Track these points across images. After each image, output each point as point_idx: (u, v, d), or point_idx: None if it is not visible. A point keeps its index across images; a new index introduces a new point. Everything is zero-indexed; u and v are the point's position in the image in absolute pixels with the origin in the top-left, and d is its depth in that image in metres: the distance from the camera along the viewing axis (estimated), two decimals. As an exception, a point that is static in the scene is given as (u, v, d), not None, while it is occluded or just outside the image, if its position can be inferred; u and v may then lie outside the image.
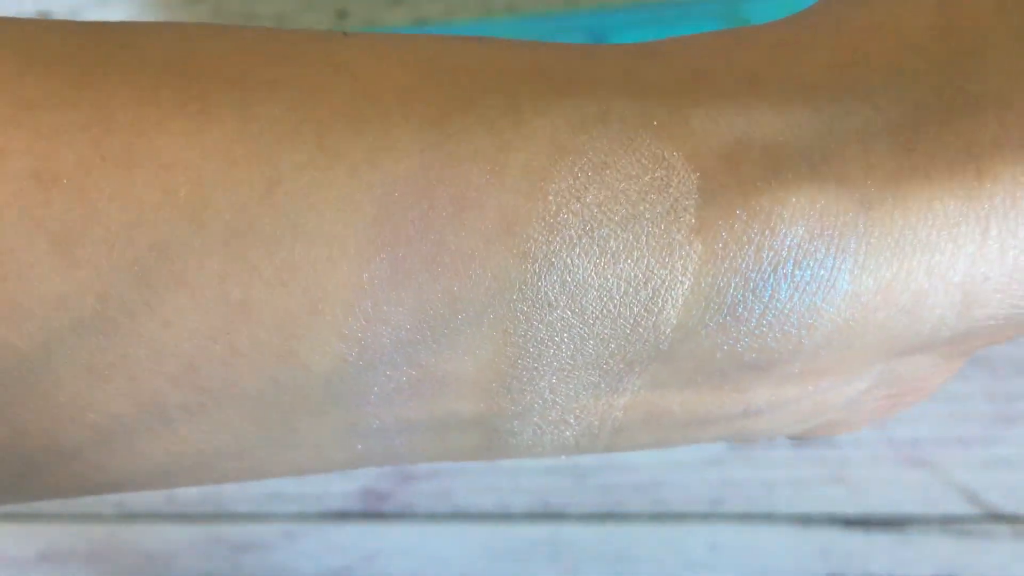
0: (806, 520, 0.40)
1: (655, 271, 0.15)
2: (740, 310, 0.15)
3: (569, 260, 0.15)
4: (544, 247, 0.15)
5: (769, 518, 0.40)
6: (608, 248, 0.15)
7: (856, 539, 0.40)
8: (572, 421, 0.17)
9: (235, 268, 0.15)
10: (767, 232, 0.14)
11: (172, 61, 0.15)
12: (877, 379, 0.17)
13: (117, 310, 0.15)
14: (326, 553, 0.41)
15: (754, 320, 0.15)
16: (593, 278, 0.15)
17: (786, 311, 0.15)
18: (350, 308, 0.15)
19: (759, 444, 0.40)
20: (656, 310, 0.15)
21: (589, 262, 0.15)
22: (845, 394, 0.17)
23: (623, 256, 0.15)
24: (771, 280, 0.15)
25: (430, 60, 0.15)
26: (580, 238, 0.15)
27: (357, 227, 0.14)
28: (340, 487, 0.41)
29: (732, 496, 0.40)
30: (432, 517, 0.40)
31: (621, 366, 0.16)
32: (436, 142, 0.15)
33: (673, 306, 0.15)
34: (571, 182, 0.14)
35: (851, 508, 0.40)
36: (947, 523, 0.40)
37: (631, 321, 0.15)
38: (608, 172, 0.15)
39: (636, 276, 0.15)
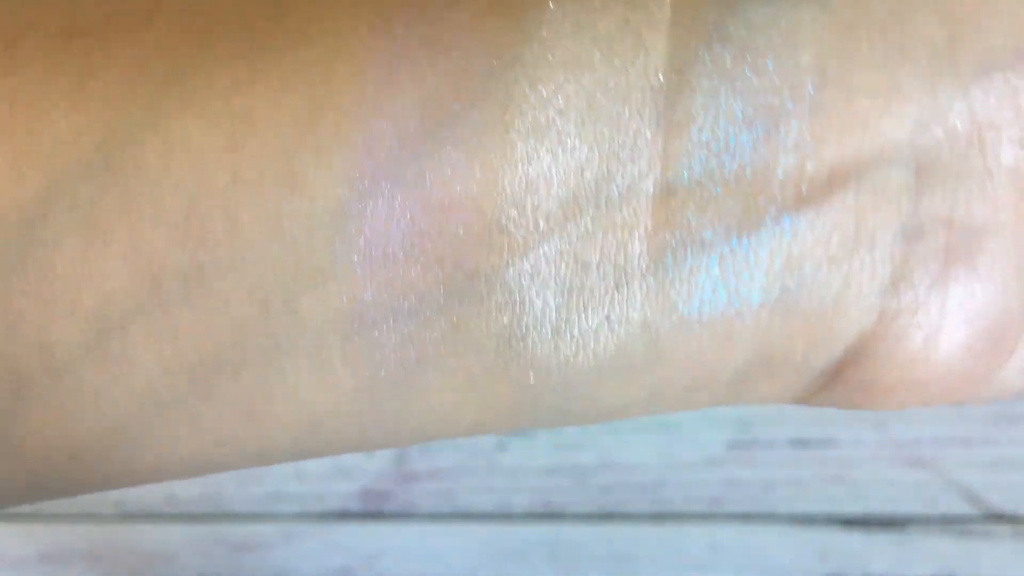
0: (806, 520, 0.40)
1: (631, 17, 0.14)
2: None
3: (555, 15, 0.14)
4: (533, 8, 0.14)
5: (769, 518, 0.40)
6: (589, 5, 0.14)
7: (856, 539, 0.40)
8: (593, 259, 0.15)
9: (242, 78, 0.14)
10: None
11: None
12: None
13: (123, 140, 0.14)
14: (326, 553, 0.41)
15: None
16: (577, 29, 0.14)
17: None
18: (353, 103, 0.14)
19: (759, 444, 0.40)
20: (647, 48, 0.14)
21: (573, 14, 0.14)
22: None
23: (601, 8, 0.14)
24: None
25: None
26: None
27: (358, 25, 0.14)
28: (340, 487, 0.41)
29: (732, 496, 0.40)
30: (433, 517, 0.40)
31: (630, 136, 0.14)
32: None
33: (660, 40, 0.14)
34: None
35: (851, 508, 0.40)
36: (947, 523, 0.40)
37: (628, 61, 0.14)
38: None
39: (614, 20, 0.14)
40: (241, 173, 0.14)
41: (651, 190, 0.14)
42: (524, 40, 0.14)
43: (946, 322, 0.15)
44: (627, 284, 0.15)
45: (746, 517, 0.40)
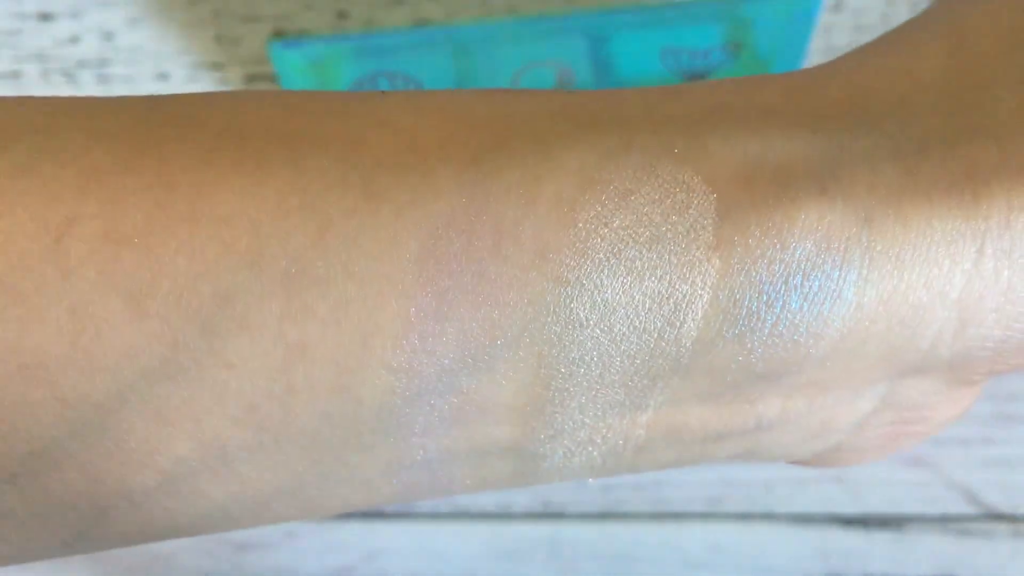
0: (805, 519, 0.40)
1: (677, 286, 0.16)
2: (754, 321, 0.16)
3: (599, 280, 0.16)
4: (576, 270, 0.16)
5: (768, 517, 0.40)
6: (634, 268, 0.16)
7: (855, 538, 0.40)
8: (599, 441, 0.18)
9: (292, 309, 0.16)
10: (779, 246, 0.15)
11: (226, 125, 0.17)
12: (882, 401, 0.18)
13: (184, 357, 0.16)
14: (327, 552, 0.41)
15: (767, 330, 0.16)
16: (620, 296, 0.16)
17: (795, 321, 0.16)
18: (398, 341, 0.16)
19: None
20: (678, 323, 0.16)
21: (617, 281, 0.16)
22: (851, 413, 0.18)
23: (647, 274, 0.16)
24: (782, 291, 0.16)
25: (464, 109, 0.17)
26: (608, 260, 0.16)
27: (404, 264, 0.16)
28: (341, 486, 0.41)
29: (731, 495, 0.40)
30: (433, 516, 0.40)
31: (645, 382, 0.17)
32: (473, 180, 0.16)
33: (694, 319, 0.16)
34: (599, 209, 0.16)
35: (850, 507, 0.40)
36: (946, 522, 0.40)
37: (655, 335, 0.16)
38: (632, 198, 0.16)
39: (660, 292, 0.16)
40: (295, 386, 0.16)
41: (630, 446, 0.18)
42: (562, 294, 0.16)
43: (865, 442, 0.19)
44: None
45: (745, 517, 0.40)
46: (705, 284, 0.16)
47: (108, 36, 0.42)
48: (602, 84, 0.38)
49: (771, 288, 0.16)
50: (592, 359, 0.16)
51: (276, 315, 0.16)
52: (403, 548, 0.40)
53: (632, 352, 0.16)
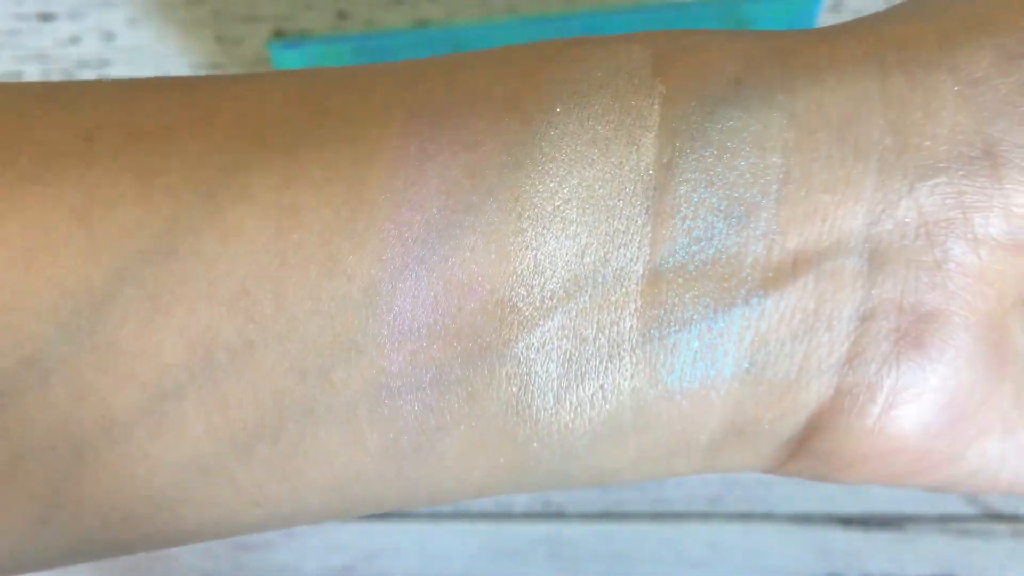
0: (805, 519, 0.40)
1: (625, 120, 0.16)
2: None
3: (564, 119, 0.17)
4: (543, 113, 0.17)
5: (768, 517, 0.40)
6: (590, 110, 0.17)
7: (855, 538, 0.40)
8: (590, 333, 0.17)
9: (289, 175, 0.16)
10: (699, 80, 0.17)
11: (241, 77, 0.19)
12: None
13: (184, 229, 0.16)
14: (328, 552, 0.41)
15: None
16: (581, 131, 0.16)
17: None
18: (386, 196, 0.16)
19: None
20: (636, 145, 0.16)
21: (576, 120, 0.16)
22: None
23: (600, 114, 0.16)
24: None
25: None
26: (568, 105, 0.17)
27: (391, 129, 0.17)
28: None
29: (731, 495, 0.40)
30: (433, 516, 0.40)
31: (625, 206, 0.17)
32: (449, 67, 0.18)
33: (648, 140, 0.17)
34: (560, 70, 0.17)
35: (850, 507, 0.40)
36: (946, 522, 0.41)
37: (619, 158, 0.17)
38: (583, 63, 0.17)
39: (611, 124, 0.16)
40: (287, 258, 0.16)
41: (641, 272, 0.16)
42: (534, 139, 0.16)
43: (899, 399, 0.17)
44: (619, 356, 0.16)
45: (745, 516, 0.40)
46: (651, 117, 0.16)
47: (108, 37, 0.42)
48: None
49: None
50: (564, 189, 0.16)
51: (274, 183, 0.16)
52: (403, 548, 0.40)
53: (604, 177, 0.16)
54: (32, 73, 0.41)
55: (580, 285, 0.16)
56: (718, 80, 0.17)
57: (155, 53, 0.42)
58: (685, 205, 0.16)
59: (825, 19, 0.42)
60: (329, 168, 0.17)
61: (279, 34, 0.42)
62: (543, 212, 0.16)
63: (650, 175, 0.16)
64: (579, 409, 0.17)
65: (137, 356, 0.17)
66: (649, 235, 0.16)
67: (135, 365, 0.17)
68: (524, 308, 0.16)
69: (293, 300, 0.16)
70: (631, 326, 0.16)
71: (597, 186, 0.16)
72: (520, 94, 0.17)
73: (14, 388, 0.17)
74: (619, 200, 0.16)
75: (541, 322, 0.16)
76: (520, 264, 0.16)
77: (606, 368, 0.17)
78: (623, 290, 0.16)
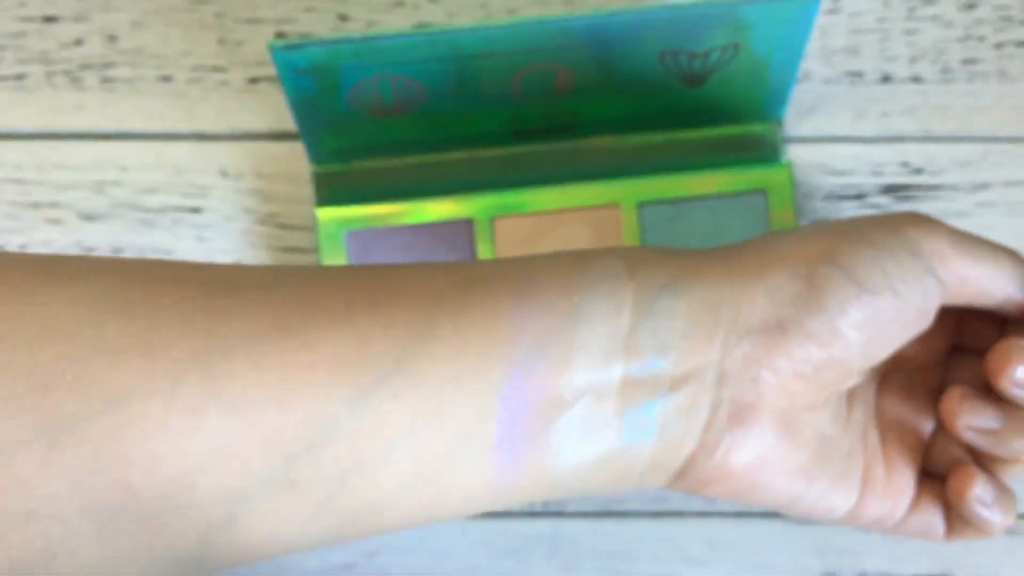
0: (802, 518, 0.41)
1: (617, 302, 0.29)
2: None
3: (586, 304, 0.28)
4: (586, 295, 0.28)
5: (766, 515, 0.41)
6: (602, 296, 0.28)
7: (852, 536, 0.41)
8: (595, 414, 0.28)
9: (446, 378, 0.27)
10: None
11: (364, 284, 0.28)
12: (717, 409, 0.30)
13: (320, 439, 0.26)
14: (328, 550, 0.41)
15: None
16: (602, 307, 0.29)
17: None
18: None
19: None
20: (623, 313, 0.28)
21: (595, 299, 0.28)
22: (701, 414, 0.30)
23: (607, 295, 0.29)
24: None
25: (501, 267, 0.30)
26: (591, 292, 0.28)
27: (495, 368, 0.27)
28: (343, 484, 0.42)
29: (730, 494, 0.40)
30: (433, 514, 0.41)
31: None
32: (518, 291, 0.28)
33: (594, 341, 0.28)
34: (591, 271, 0.29)
35: (847, 505, 0.41)
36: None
37: (613, 316, 0.29)
38: (590, 270, 0.29)
39: (613, 303, 0.29)
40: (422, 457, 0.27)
41: (619, 378, 0.28)
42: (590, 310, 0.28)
43: (732, 449, 0.29)
44: (604, 429, 0.28)
45: (743, 514, 0.41)
46: (627, 301, 0.28)
47: (112, 39, 0.42)
48: (601, 87, 0.39)
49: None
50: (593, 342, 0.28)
51: (433, 384, 0.27)
52: (404, 545, 0.41)
53: (612, 330, 0.28)
54: (36, 74, 0.42)
55: (592, 387, 0.28)
56: (655, 284, 0.28)
57: (158, 55, 0.42)
58: (642, 346, 0.28)
59: (822, 21, 0.42)
60: (457, 360, 0.27)
61: (281, 37, 0.42)
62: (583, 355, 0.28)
63: (626, 330, 0.28)
64: (586, 457, 0.28)
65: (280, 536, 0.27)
66: (623, 358, 0.28)
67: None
68: (567, 397, 0.28)
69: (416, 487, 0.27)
70: (612, 409, 0.28)
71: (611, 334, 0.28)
72: (567, 286, 0.28)
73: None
74: (614, 342, 0.28)
75: (570, 409, 0.28)
76: (569, 381, 0.28)
77: (602, 434, 0.28)
78: (610, 390, 0.28)
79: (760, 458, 0.29)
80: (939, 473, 0.32)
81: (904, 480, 0.31)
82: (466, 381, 0.26)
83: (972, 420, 0.30)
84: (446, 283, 0.27)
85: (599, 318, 0.27)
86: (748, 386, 0.28)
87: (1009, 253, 0.31)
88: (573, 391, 0.27)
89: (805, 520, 0.41)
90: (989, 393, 0.31)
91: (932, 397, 0.32)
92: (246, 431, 0.24)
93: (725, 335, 0.28)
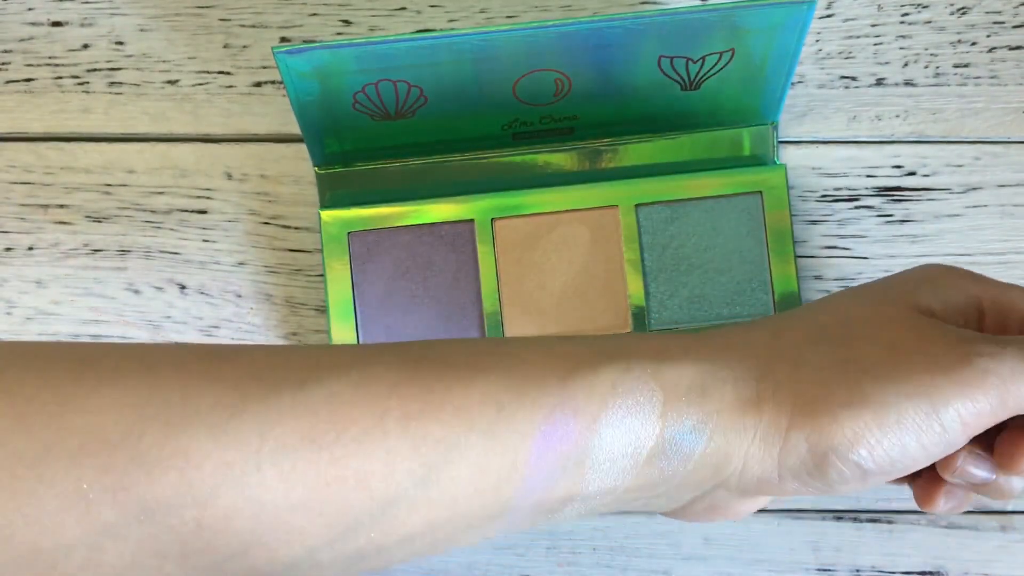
0: (798, 513, 0.41)
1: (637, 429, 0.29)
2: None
3: (604, 428, 0.29)
4: (597, 419, 0.29)
5: (761, 511, 0.41)
6: (631, 390, 0.29)
7: (846, 532, 0.41)
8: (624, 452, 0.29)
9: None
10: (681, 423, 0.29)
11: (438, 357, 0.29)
12: (701, 498, 0.31)
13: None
14: (332, 545, 0.42)
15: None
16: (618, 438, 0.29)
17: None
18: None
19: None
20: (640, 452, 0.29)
21: (613, 430, 0.29)
22: (686, 499, 0.31)
23: (634, 389, 0.29)
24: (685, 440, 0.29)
25: (556, 346, 0.30)
26: (606, 413, 0.29)
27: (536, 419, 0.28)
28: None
29: (726, 490, 0.41)
30: (435, 511, 0.41)
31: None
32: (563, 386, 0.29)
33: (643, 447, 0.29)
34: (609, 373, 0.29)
35: (842, 502, 0.41)
36: (935, 517, 0.41)
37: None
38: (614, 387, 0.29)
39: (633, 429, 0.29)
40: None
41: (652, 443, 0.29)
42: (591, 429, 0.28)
43: (746, 463, 0.29)
44: (639, 463, 0.29)
45: (739, 511, 0.41)
46: (653, 430, 0.29)
47: (118, 43, 0.43)
48: (600, 91, 0.39)
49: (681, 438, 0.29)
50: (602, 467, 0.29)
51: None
52: (406, 541, 0.41)
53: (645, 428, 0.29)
54: (44, 78, 0.42)
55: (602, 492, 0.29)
56: (683, 425, 0.29)
57: (164, 59, 0.43)
58: (651, 475, 0.29)
59: (816, 26, 0.42)
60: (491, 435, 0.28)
61: (285, 41, 0.43)
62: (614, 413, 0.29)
63: (642, 461, 0.29)
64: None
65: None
66: (633, 476, 0.29)
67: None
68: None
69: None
70: (649, 450, 0.29)
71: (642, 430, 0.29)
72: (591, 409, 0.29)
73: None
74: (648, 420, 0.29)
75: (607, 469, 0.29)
76: (596, 448, 0.29)
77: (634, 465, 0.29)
78: (645, 452, 0.29)
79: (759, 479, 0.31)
80: None
81: None
82: (485, 498, 0.28)
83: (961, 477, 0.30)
84: (481, 392, 0.28)
85: (618, 453, 0.29)
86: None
87: None
88: (586, 494, 0.29)
89: (800, 516, 0.41)
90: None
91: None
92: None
93: (729, 480, 0.30)
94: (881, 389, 0.28)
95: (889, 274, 0.33)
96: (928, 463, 0.29)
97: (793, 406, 0.28)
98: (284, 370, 0.27)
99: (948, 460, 0.29)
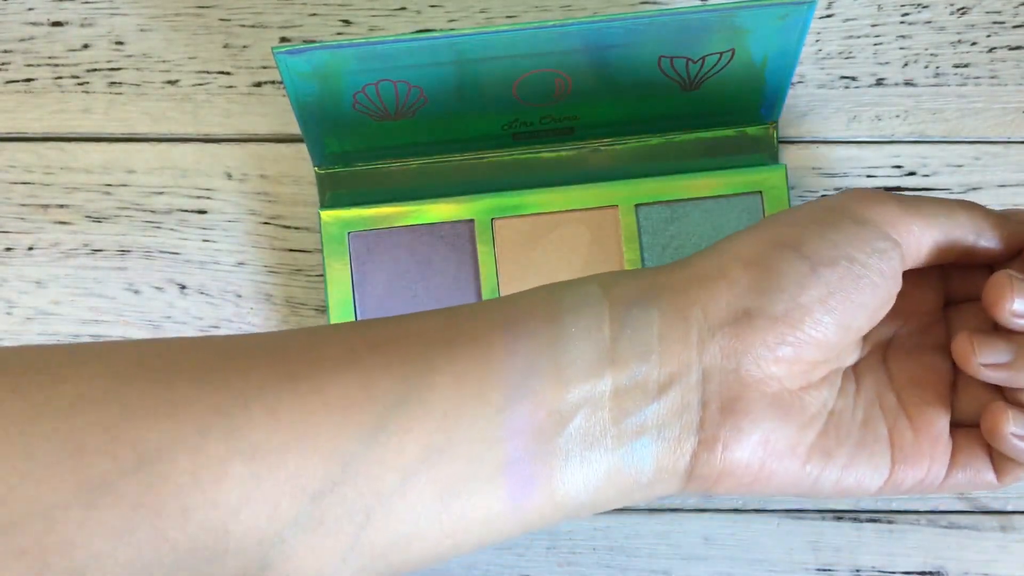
0: (797, 513, 0.41)
1: (598, 315, 0.30)
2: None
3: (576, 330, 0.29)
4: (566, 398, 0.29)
5: (761, 511, 0.41)
6: (589, 319, 0.29)
7: (846, 532, 0.41)
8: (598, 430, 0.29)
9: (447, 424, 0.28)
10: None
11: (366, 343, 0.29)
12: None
13: (340, 482, 0.27)
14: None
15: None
16: (586, 332, 0.29)
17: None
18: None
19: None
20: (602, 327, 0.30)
21: (580, 326, 0.29)
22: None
23: (595, 318, 0.29)
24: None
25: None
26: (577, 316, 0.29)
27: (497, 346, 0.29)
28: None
29: (726, 490, 0.41)
30: (435, 511, 0.41)
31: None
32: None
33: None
34: (568, 302, 0.30)
35: (842, 502, 0.41)
36: (935, 517, 0.41)
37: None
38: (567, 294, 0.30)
39: (595, 318, 0.30)
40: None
41: (610, 388, 0.29)
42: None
43: (729, 443, 0.29)
44: (603, 439, 0.29)
45: (739, 510, 0.41)
46: (605, 316, 0.29)
47: (118, 43, 0.43)
48: (600, 91, 0.39)
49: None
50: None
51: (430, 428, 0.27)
52: (406, 541, 0.41)
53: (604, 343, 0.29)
54: (44, 77, 0.42)
55: (587, 400, 0.29)
56: (627, 299, 0.29)
57: (164, 59, 0.43)
58: (625, 355, 0.29)
59: (816, 26, 0.43)
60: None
61: (285, 41, 0.43)
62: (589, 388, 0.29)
63: (607, 343, 0.29)
64: (592, 475, 0.29)
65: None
66: (610, 369, 0.29)
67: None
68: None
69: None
70: (609, 418, 0.29)
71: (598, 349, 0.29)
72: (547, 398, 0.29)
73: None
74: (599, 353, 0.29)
75: (570, 422, 0.29)
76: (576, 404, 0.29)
77: (603, 444, 0.29)
78: (604, 401, 0.29)
79: (763, 444, 0.29)
80: (973, 422, 0.32)
81: (935, 437, 0.31)
82: (469, 408, 0.27)
83: (987, 357, 0.30)
84: (437, 324, 0.29)
85: (582, 335, 0.29)
86: (731, 377, 0.29)
87: (963, 204, 0.31)
88: (569, 405, 0.28)
89: (800, 516, 0.41)
90: (996, 330, 0.31)
91: (942, 352, 0.32)
92: (271, 476, 0.26)
93: (699, 334, 0.29)
94: (796, 214, 0.31)
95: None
96: (872, 276, 0.29)
97: (720, 254, 0.30)
98: (259, 338, 0.29)
99: (962, 349, 0.30)
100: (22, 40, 0.43)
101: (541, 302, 0.30)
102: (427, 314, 0.30)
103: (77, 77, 0.43)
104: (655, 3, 0.43)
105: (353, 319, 0.40)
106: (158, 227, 0.42)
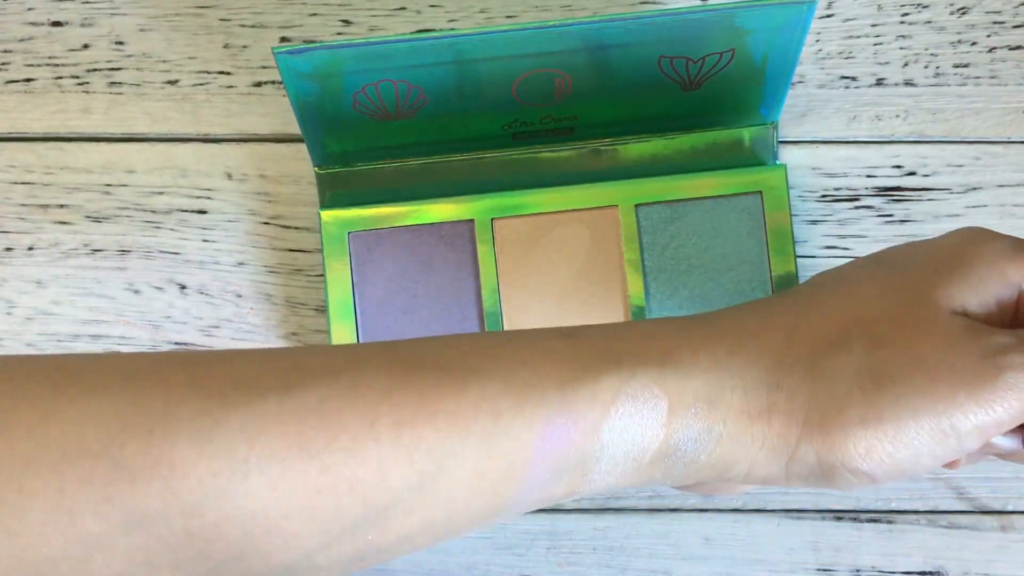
0: (797, 513, 0.41)
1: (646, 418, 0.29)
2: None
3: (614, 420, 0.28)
4: (603, 416, 0.28)
5: (762, 512, 0.41)
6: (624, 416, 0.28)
7: (846, 532, 0.41)
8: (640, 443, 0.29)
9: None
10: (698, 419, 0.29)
11: (445, 361, 0.29)
12: (702, 484, 0.31)
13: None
14: (332, 545, 0.42)
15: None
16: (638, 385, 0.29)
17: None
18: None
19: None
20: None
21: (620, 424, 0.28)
22: (687, 484, 0.30)
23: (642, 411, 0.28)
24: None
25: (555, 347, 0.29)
26: (618, 409, 0.28)
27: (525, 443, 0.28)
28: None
29: (726, 490, 0.41)
30: (435, 511, 0.41)
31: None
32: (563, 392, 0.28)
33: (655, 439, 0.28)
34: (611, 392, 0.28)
35: (842, 502, 0.41)
36: (935, 517, 0.41)
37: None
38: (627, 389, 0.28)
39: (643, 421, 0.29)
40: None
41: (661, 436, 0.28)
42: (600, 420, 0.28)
43: (751, 468, 0.29)
44: (653, 457, 0.29)
45: (739, 510, 0.41)
46: (660, 423, 0.28)
47: (118, 43, 0.43)
48: (600, 91, 0.39)
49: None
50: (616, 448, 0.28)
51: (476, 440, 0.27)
52: (406, 541, 0.41)
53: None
54: (44, 77, 0.42)
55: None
56: (687, 433, 0.28)
57: (164, 59, 0.43)
58: (658, 473, 0.29)
59: (816, 26, 0.43)
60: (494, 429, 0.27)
61: (285, 41, 0.43)
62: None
63: (646, 463, 0.28)
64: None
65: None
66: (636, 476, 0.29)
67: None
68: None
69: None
70: (652, 454, 0.28)
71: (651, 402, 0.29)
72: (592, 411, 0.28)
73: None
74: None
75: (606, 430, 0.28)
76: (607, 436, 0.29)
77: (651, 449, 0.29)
78: (660, 424, 0.28)
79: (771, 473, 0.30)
80: None
81: None
82: (483, 498, 0.27)
83: None
84: (477, 397, 0.27)
85: (620, 458, 0.28)
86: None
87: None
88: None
89: (800, 516, 0.41)
90: None
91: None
92: None
93: (734, 478, 0.29)
94: (898, 407, 0.27)
95: (915, 240, 0.32)
96: (939, 466, 0.29)
97: (805, 418, 0.28)
98: (269, 376, 0.27)
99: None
100: (22, 40, 0.43)
101: (596, 403, 0.28)
102: (463, 388, 0.28)
103: (77, 77, 0.43)
104: (655, 3, 0.43)
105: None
106: (158, 227, 0.42)
